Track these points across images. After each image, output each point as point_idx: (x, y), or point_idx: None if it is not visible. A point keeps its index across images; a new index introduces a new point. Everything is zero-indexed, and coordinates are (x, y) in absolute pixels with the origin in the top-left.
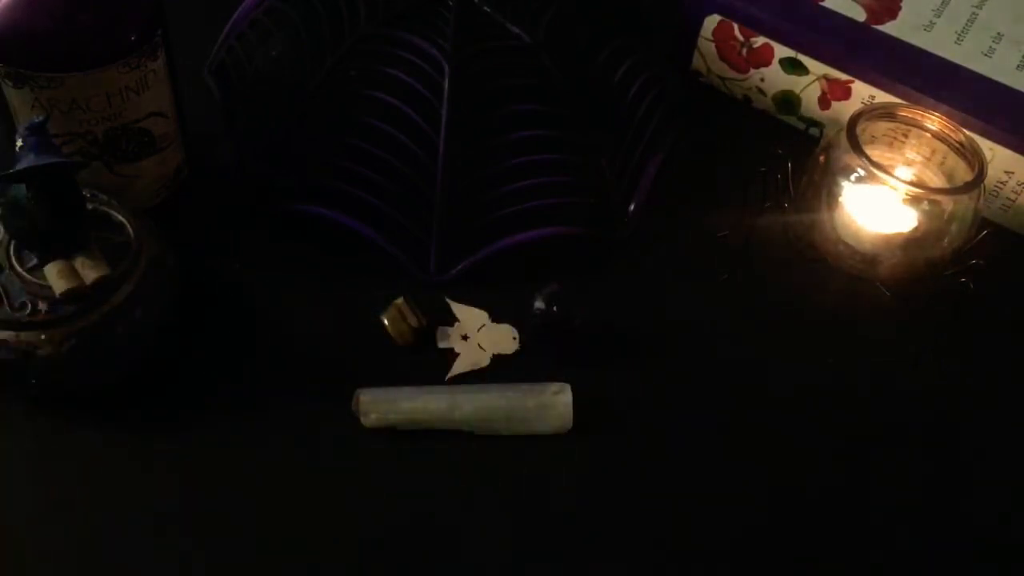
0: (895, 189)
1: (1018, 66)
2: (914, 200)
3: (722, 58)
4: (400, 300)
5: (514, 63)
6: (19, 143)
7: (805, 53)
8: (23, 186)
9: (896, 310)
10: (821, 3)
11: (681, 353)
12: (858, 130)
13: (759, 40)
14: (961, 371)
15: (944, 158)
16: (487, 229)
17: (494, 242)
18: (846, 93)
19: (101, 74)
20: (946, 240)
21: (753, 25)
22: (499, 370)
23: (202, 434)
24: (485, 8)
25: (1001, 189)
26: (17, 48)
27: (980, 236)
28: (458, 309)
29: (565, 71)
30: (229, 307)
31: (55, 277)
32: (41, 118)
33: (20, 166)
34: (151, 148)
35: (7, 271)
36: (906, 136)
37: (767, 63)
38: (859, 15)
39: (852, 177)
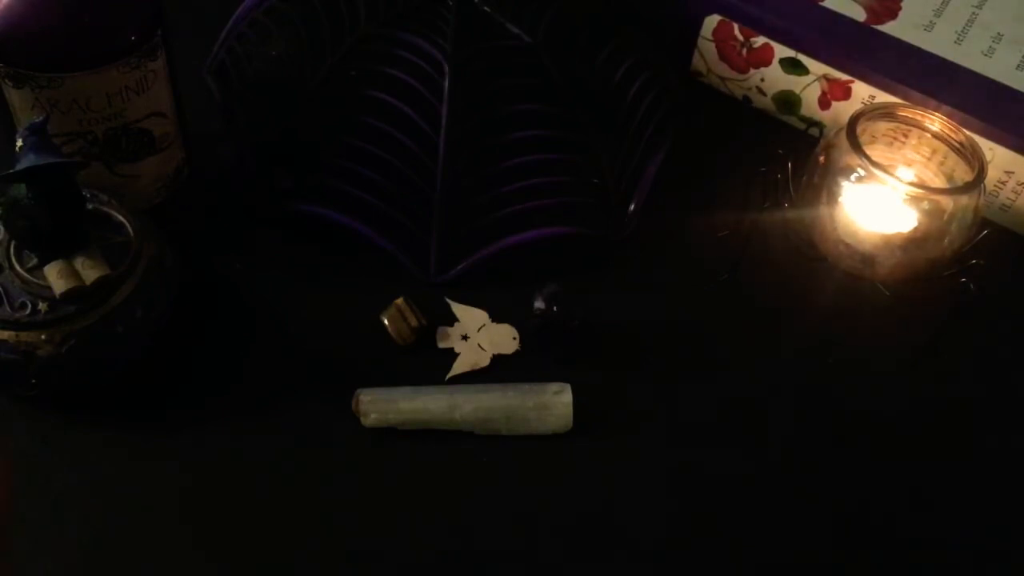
0: (895, 189)
1: (1018, 66)
2: (914, 200)
3: (722, 58)
4: (400, 300)
5: (514, 63)
6: (19, 143)
7: (805, 53)
8: (23, 186)
9: (896, 310)
10: (821, 3)
11: (681, 353)
12: (858, 130)
13: (759, 40)
14: (961, 371)
15: (944, 158)
16: (487, 229)
17: (494, 242)
18: (846, 93)
19: (101, 74)
20: (946, 240)
21: (753, 25)
22: (499, 370)
23: (202, 434)
24: (485, 8)
25: (1001, 189)
26: (17, 48)
27: (980, 236)
28: (458, 309)
29: (565, 71)
30: (229, 307)
31: (55, 277)
32: (41, 118)
33: (20, 166)
34: (151, 148)
35: (7, 271)
36: (906, 136)
37: (767, 63)
38: (859, 15)
39: (852, 177)
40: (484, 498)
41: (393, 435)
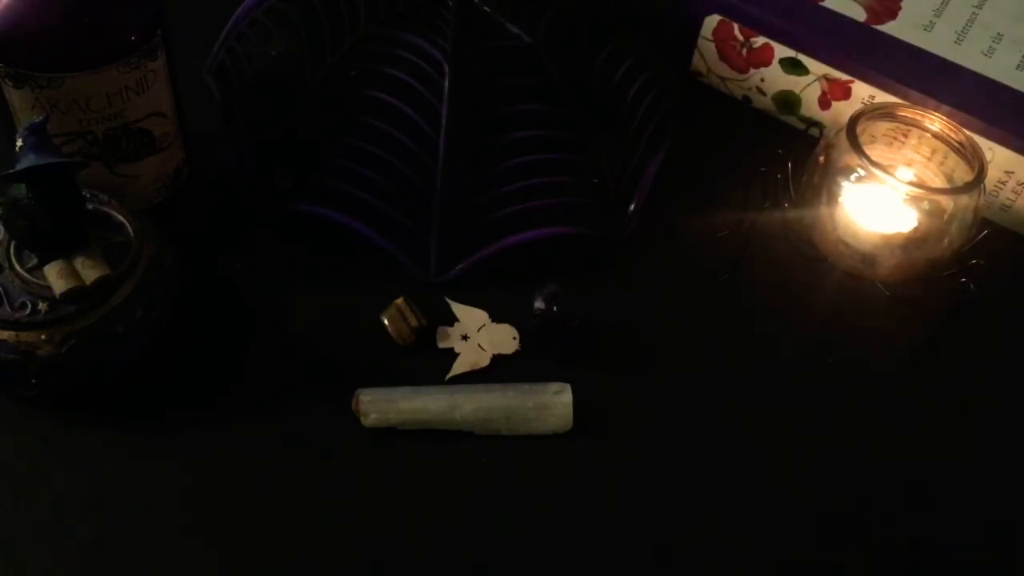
0: (895, 189)
1: (1018, 66)
2: (914, 200)
3: (722, 58)
4: (400, 300)
5: (514, 63)
6: (19, 143)
7: (805, 53)
8: (23, 186)
9: (896, 310)
10: (821, 3)
11: (681, 353)
12: (858, 130)
13: (759, 40)
14: (961, 371)
15: (944, 158)
16: (487, 229)
17: (494, 242)
18: (846, 93)
19: (101, 74)
20: (946, 240)
21: (753, 25)
22: (499, 370)
23: (202, 434)
24: (485, 8)
25: (1001, 189)
26: (17, 48)
27: (980, 236)
28: (458, 309)
29: (565, 71)
30: (229, 307)
31: (55, 277)
32: (41, 118)
33: (20, 166)
34: (151, 148)
35: (7, 271)
36: (906, 136)
37: (767, 63)
38: (859, 15)
39: (852, 177)
40: (484, 498)
41: (393, 435)
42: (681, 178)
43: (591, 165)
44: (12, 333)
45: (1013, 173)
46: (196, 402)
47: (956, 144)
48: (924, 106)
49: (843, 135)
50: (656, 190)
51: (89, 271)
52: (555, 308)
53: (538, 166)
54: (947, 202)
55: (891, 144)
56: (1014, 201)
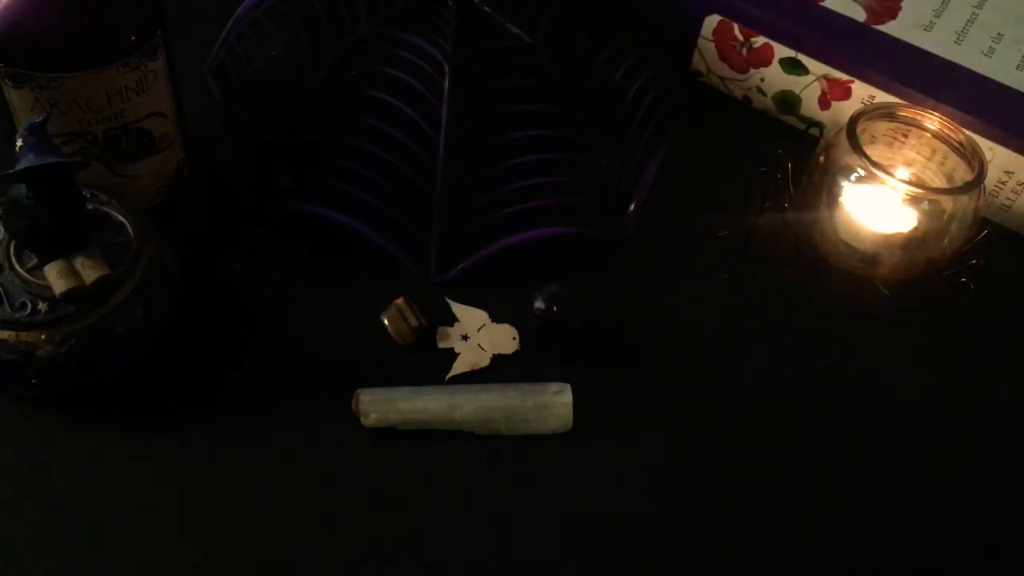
0: (895, 189)
1: (1018, 66)
2: (914, 200)
3: (722, 58)
4: (400, 300)
5: (514, 63)
6: (19, 143)
7: (805, 53)
8: (23, 186)
9: (896, 310)
10: (821, 3)
11: (681, 353)
12: (858, 130)
13: (759, 40)
14: (961, 371)
15: (944, 158)
16: (487, 229)
17: (494, 242)
18: (846, 93)
19: (101, 74)
20: (946, 240)
21: (753, 25)
22: (499, 370)
23: (202, 434)
24: (485, 8)
25: (1001, 189)
26: (17, 48)
27: (980, 236)
28: (458, 309)
29: (565, 71)
30: (229, 307)
31: (55, 277)
32: (41, 118)
33: (20, 166)
34: (151, 148)
35: (7, 271)
36: (906, 136)
37: (767, 63)
38: (859, 15)
39: (852, 177)
40: (484, 498)
41: (393, 435)
42: (681, 178)
43: (591, 165)
44: (12, 333)
45: (1013, 173)
46: (196, 402)
47: (956, 144)
48: (924, 106)
49: (843, 135)
50: (656, 190)
51: (89, 271)
52: (555, 308)
53: (538, 166)
54: (947, 202)
55: (891, 144)
56: (1014, 201)
